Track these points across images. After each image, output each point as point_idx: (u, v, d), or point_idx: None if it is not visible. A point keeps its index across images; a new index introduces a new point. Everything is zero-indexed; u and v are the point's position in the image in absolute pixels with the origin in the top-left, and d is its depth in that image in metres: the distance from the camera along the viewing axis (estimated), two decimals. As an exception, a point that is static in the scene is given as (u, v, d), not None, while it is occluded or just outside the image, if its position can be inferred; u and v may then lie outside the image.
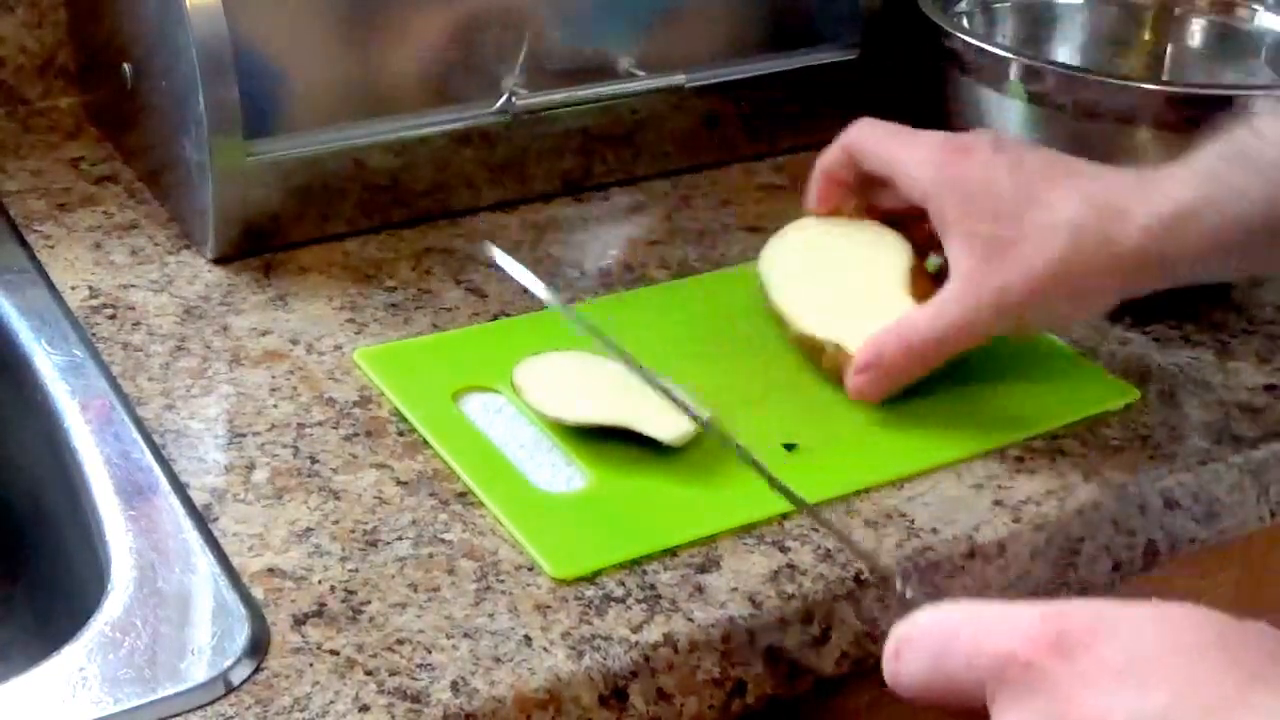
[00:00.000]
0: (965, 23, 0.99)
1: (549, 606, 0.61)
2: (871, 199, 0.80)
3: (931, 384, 0.75)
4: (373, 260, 0.87)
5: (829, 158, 0.79)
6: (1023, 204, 0.70)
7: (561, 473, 0.69)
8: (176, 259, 0.86)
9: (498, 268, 0.77)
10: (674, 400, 0.68)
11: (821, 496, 0.68)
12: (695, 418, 0.68)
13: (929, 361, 0.73)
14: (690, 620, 0.61)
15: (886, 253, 0.77)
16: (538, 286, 0.73)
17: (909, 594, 0.60)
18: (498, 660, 0.58)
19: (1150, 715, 0.45)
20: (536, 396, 0.71)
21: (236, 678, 0.56)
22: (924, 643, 0.50)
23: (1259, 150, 0.69)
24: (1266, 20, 1.00)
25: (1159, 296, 0.83)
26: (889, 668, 0.51)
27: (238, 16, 0.81)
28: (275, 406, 0.73)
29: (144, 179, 0.93)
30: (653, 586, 0.63)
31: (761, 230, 0.91)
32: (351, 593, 0.61)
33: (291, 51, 0.85)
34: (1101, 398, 0.76)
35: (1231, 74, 1.01)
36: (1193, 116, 0.80)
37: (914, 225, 0.78)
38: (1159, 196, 0.69)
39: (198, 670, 0.57)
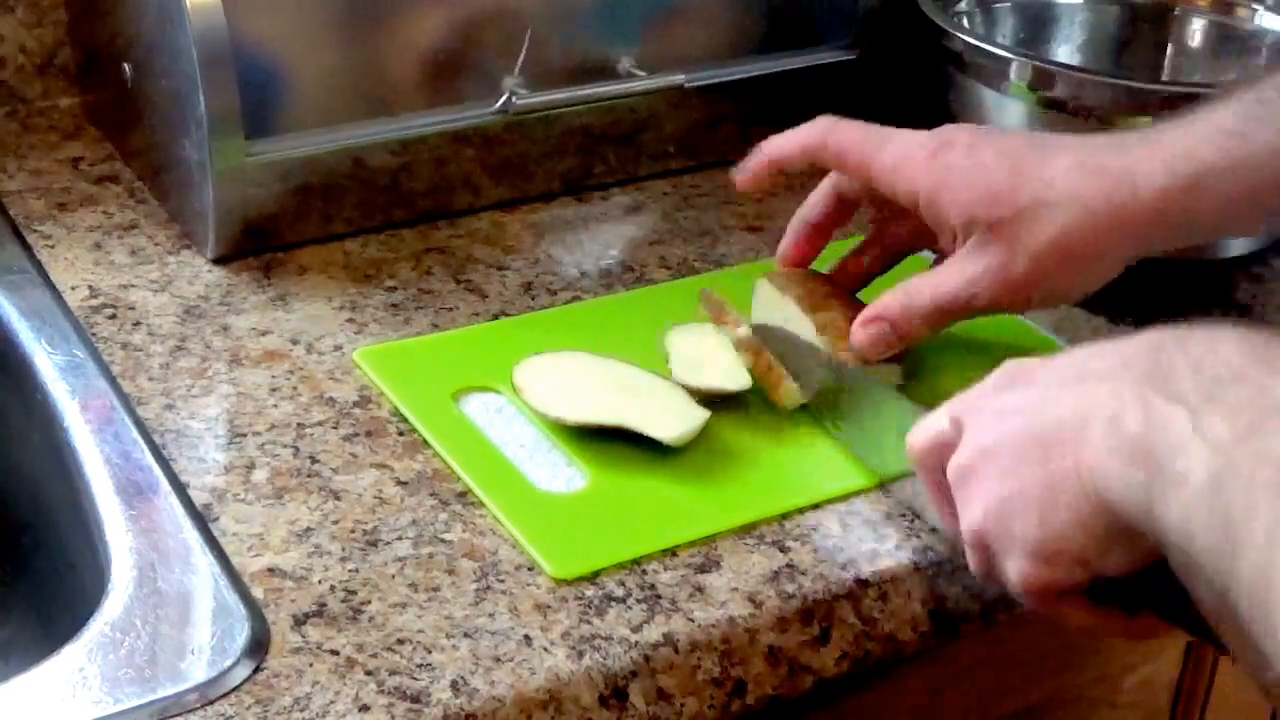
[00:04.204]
0: (965, 23, 0.99)
1: (549, 606, 0.61)
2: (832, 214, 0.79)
3: (933, 383, 0.75)
4: (373, 260, 0.87)
5: (813, 206, 0.78)
6: (1019, 184, 0.69)
7: (561, 473, 0.69)
8: (176, 259, 0.86)
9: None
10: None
11: (821, 496, 0.68)
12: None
13: (927, 324, 0.72)
14: (690, 620, 0.61)
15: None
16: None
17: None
18: (498, 660, 0.58)
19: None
20: (536, 396, 0.71)
21: (236, 678, 0.56)
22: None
23: None
24: (1266, 20, 1.00)
25: (1159, 298, 0.83)
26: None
27: (238, 16, 0.81)
28: (275, 406, 0.73)
29: (144, 179, 0.93)
30: (653, 586, 0.63)
31: (761, 230, 0.91)
32: (351, 593, 0.61)
33: (291, 52, 0.85)
34: (1101, 398, 0.76)
35: (1231, 74, 1.01)
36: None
37: (890, 224, 0.79)
38: (1177, 155, 0.67)
39: (198, 670, 0.57)
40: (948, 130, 0.73)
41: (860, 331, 0.72)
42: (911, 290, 0.72)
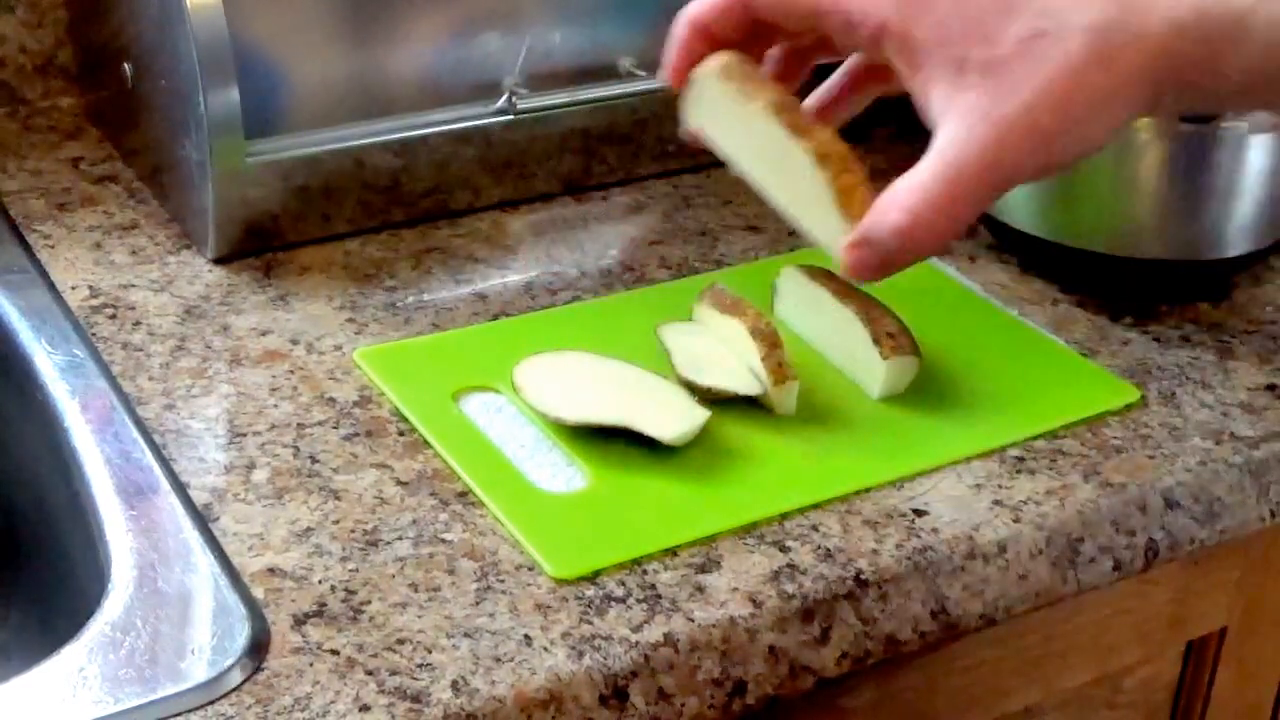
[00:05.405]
0: (965, 23, 0.98)
1: (549, 606, 0.61)
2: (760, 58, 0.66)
3: (932, 383, 0.75)
4: (373, 260, 0.87)
5: (709, 7, 0.63)
6: (1015, 16, 0.56)
7: (561, 473, 0.69)
8: (176, 259, 0.86)
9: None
10: None
11: (822, 496, 0.68)
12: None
13: (944, 227, 0.57)
14: (690, 620, 0.61)
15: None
16: None
17: None
18: (498, 660, 0.58)
19: None
20: (536, 396, 0.72)
21: (236, 678, 0.56)
22: None
23: None
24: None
25: (1159, 298, 0.83)
26: None
27: (238, 16, 0.81)
28: (275, 406, 0.73)
29: (144, 179, 0.93)
30: (653, 586, 0.63)
31: (761, 230, 0.91)
32: (352, 592, 0.61)
33: (291, 52, 0.85)
34: (1101, 398, 0.76)
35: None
36: (1192, 116, 0.80)
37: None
38: None
39: (198, 670, 0.57)
40: None
41: (854, 254, 0.58)
42: (911, 190, 0.57)
